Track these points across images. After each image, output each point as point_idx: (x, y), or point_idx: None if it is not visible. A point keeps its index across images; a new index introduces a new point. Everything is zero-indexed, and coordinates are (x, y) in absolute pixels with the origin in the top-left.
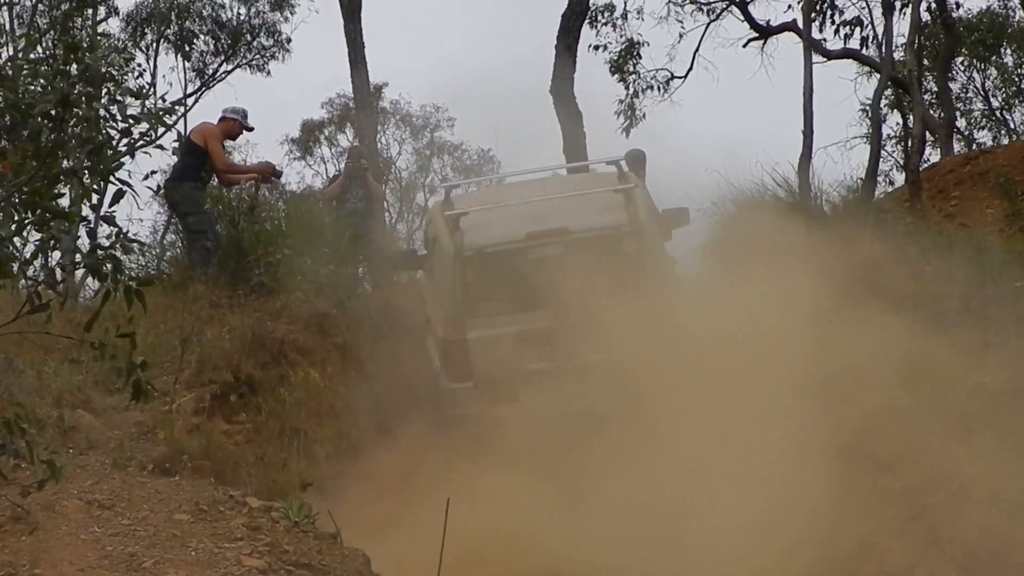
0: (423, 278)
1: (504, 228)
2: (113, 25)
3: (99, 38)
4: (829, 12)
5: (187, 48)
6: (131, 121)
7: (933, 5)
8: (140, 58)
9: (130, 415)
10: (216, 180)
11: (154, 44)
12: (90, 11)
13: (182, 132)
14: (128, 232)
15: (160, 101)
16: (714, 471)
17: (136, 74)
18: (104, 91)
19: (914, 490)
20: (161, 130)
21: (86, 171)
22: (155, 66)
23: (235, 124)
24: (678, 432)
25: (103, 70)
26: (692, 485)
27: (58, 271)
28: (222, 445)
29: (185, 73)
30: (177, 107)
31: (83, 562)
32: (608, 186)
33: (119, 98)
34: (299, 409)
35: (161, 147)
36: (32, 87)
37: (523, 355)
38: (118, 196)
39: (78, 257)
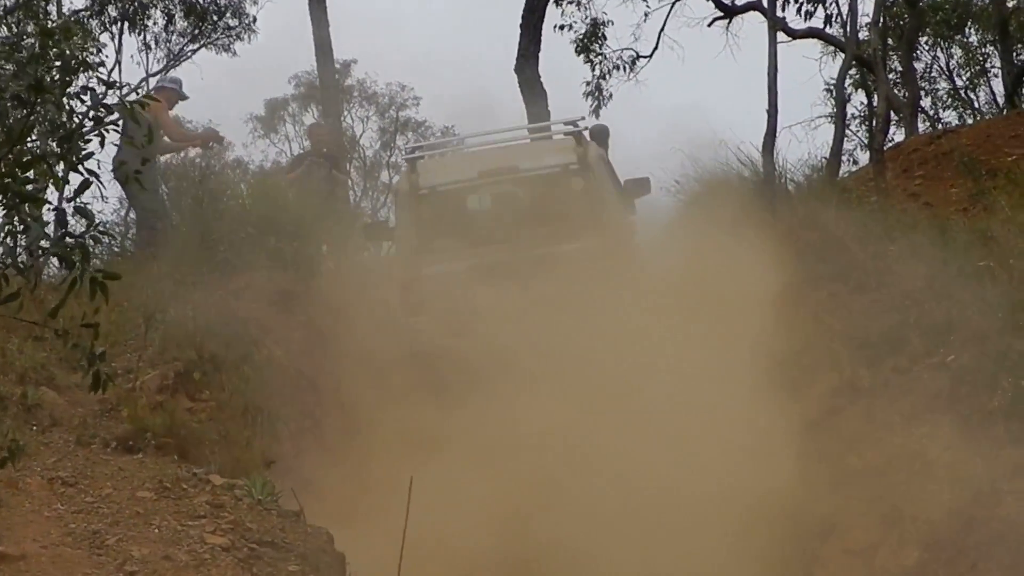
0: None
1: (459, 169)
2: (78, 2)
3: (72, 22)
4: None
5: (143, 24)
6: (103, 111)
7: None
8: (104, 37)
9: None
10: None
11: (118, 22)
12: None
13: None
14: (96, 218)
15: (135, 93)
16: (673, 446)
17: (95, 50)
18: (76, 78)
19: (877, 469)
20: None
21: (56, 158)
22: (120, 44)
23: (174, 93)
24: (633, 395)
25: (78, 57)
26: (650, 456)
27: (25, 256)
28: (185, 423)
29: (148, 52)
30: (149, 101)
31: (46, 539)
32: (560, 137)
33: (91, 86)
34: (263, 387)
35: (131, 139)
36: (3, 69)
37: (476, 289)
38: (84, 186)
39: (46, 243)
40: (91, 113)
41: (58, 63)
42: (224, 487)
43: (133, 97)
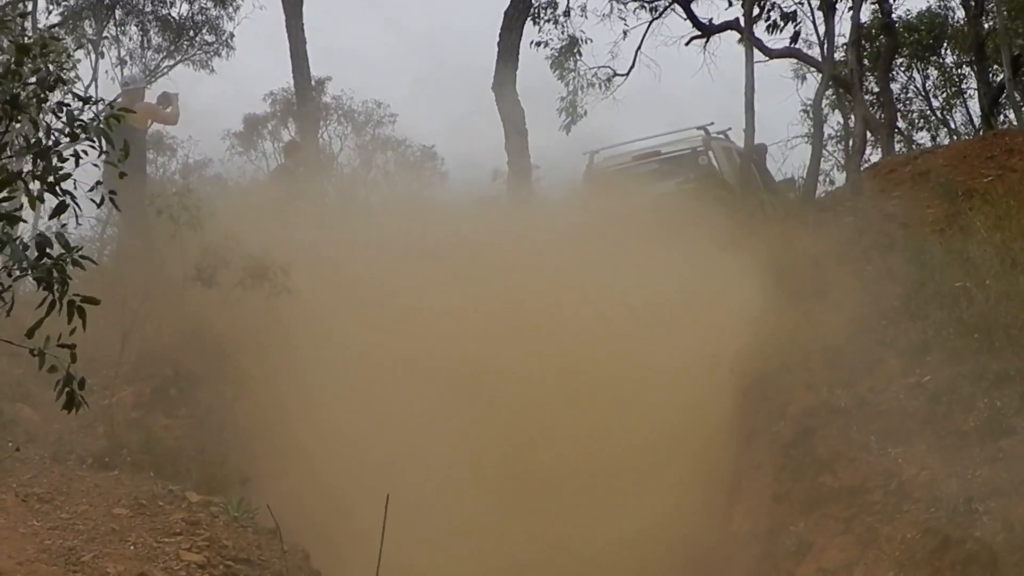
0: None
1: (621, 157)
2: (54, 18)
3: (51, 39)
4: (769, 10)
5: (118, 40)
6: (78, 130)
7: (874, 6)
8: (79, 54)
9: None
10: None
11: (94, 39)
12: (31, 4)
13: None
14: (72, 244)
15: (109, 108)
16: (642, 460)
17: (70, 66)
18: (52, 94)
19: (852, 489)
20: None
21: (32, 177)
22: (97, 59)
23: (143, 90)
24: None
25: (55, 74)
26: (621, 470)
27: (3, 276)
28: (162, 440)
29: (122, 67)
30: (123, 116)
31: (22, 556)
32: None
33: (67, 103)
34: (238, 404)
35: (108, 159)
36: None
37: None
38: (60, 209)
39: (24, 264)
40: (66, 130)
41: (34, 79)
42: (200, 504)
43: (108, 112)
